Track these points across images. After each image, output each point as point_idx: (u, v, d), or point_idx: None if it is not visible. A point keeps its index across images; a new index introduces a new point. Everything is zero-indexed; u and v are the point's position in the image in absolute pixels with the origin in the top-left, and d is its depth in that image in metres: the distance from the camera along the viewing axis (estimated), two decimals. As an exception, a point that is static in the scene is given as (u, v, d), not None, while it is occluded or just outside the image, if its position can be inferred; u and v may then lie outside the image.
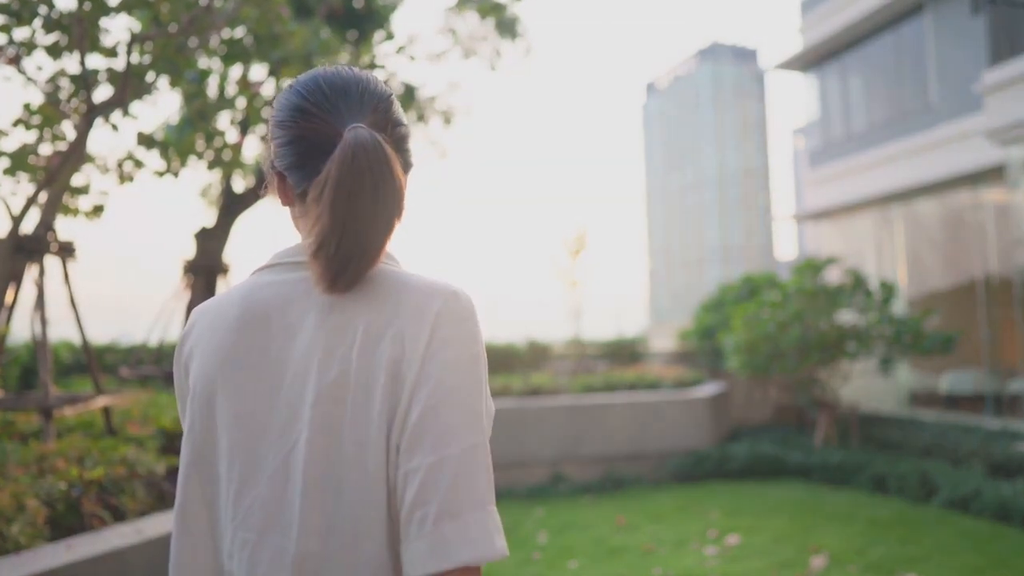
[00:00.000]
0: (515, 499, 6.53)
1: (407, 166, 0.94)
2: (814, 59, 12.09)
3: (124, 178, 4.29)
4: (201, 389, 0.88)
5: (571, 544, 5.07)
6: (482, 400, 0.84)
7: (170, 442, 4.00)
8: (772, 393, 9.84)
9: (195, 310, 0.95)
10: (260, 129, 8.53)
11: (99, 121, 4.26)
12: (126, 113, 4.36)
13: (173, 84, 4.46)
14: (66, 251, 4.19)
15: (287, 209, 0.96)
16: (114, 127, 4.03)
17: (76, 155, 4.11)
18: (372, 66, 5.49)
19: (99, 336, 9.65)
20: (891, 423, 8.69)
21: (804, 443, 7.62)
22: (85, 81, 3.92)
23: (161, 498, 3.20)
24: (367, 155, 0.82)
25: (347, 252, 0.82)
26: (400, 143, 0.92)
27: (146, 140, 4.30)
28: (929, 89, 9.93)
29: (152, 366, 8.34)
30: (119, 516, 2.75)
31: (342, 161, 0.82)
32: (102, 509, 2.65)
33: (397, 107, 0.94)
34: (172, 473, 3.42)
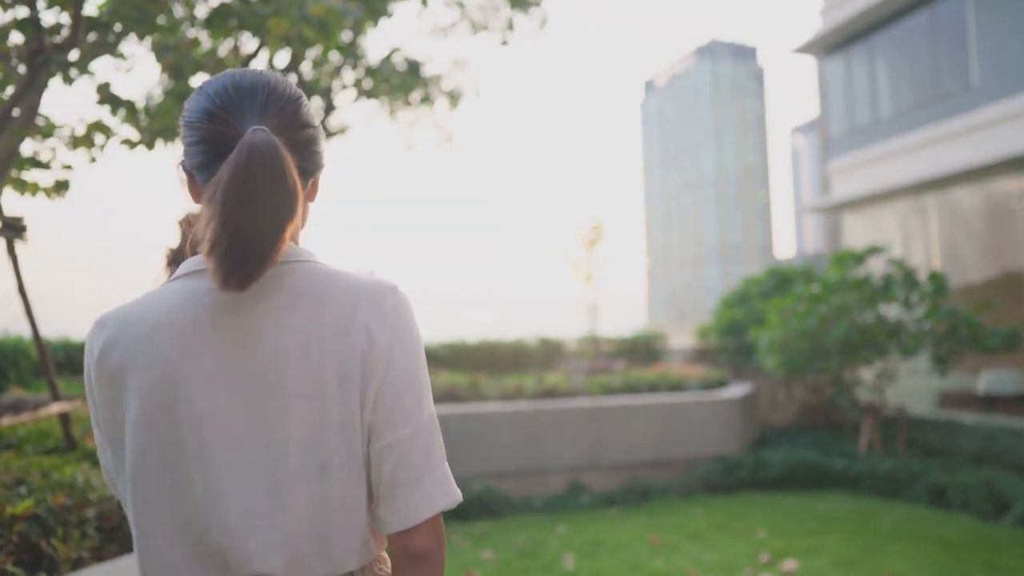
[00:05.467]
0: (532, 512, 5.89)
1: (315, 167, 0.98)
2: (838, 41, 11.46)
3: (82, 142, 3.62)
4: (158, 398, 0.88)
5: (604, 569, 4.43)
6: (426, 374, 0.97)
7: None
8: (798, 393, 9.23)
9: (105, 320, 0.93)
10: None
11: (60, 88, 3.61)
12: (84, 70, 3.70)
13: (142, 36, 3.79)
14: (13, 229, 3.53)
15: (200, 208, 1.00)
16: (67, 79, 3.37)
17: (24, 111, 3.45)
18: (383, 11, 4.81)
19: (75, 332, 8.99)
20: (930, 426, 8.07)
21: (844, 448, 7.00)
22: (35, 26, 3.27)
23: (113, 534, 2.54)
24: (261, 158, 0.85)
25: (237, 252, 0.84)
26: (307, 144, 0.96)
27: (109, 97, 3.63)
28: (970, 68, 9.30)
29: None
30: (51, 567, 2.09)
31: (235, 164, 0.85)
32: (13, 565, 1.99)
33: (305, 110, 0.97)
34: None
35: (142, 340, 0.89)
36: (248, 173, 0.84)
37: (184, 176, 0.98)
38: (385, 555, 1.01)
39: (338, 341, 0.90)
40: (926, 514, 5.45)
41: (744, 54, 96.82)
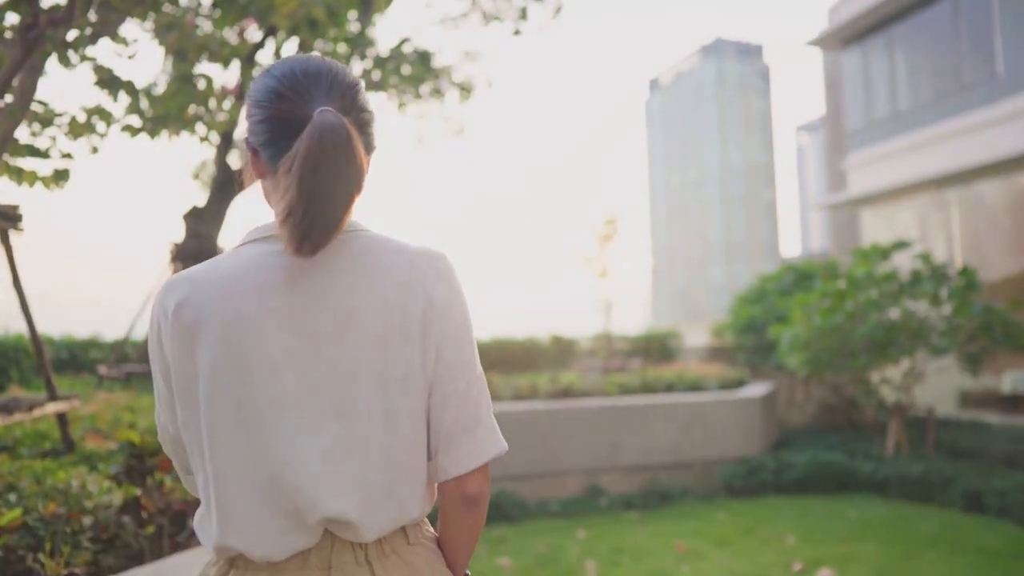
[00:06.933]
0: (549, 516, 5.67)
1: (369, 148, 1.04)
2: (855, 33, 11.20)
3: (81, 129, 3.41)
4: (233, 351, 0.94)
5: (628, 578, 4.21)
6: (474, 334, 1.07)
7: (138, 461, 3.13)
8: (816, 392, 8.99)
9: (176, 281, 0.99)
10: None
11: (61, 77, 3.41)
12: (84, 57, 3.49)
13: (144, 16, 3.59)
14: (7, 218, 3.33)
15: (260, 183, 1.08)
16: (63, 59, 3.16)
17: (20, 94, 3.25)
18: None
19: (81, 330, 8.80)
20: (955, 427, 7.83)
21: (870, 450, 6.76)
22: (30, 4, 3.07)
23: (111, 544, 2.33)
24: (333, 135, 0.92)
25: (311, 220, 0.91)
26: (363, 127, 1.03)
27: (108, 80, 3.43)
28: (995, 58, 9.03)
29: (136, 363, 7.49)
30: (38, 584, 1.89)
31: (310, 140, 0.92)
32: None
33: (363, 95, 1.05)
34: (129, 506, 2.56)
35: (216, 298, 0.96)
36: (322, 149, 0.90)
37: (248, 153, 1.04)
38: (427, 521, 1.09)
39: (400, 300, 0.98)
40: (963, 520, 5.21)
41: (749, 52, 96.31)
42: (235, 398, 0.94)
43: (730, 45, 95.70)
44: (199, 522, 1.01)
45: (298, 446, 0.93)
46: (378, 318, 0.97)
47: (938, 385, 9.05)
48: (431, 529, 1.08)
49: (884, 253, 6.79)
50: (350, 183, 0.93)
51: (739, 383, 7.69)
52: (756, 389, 7.45)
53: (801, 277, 8.82)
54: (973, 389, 9.49)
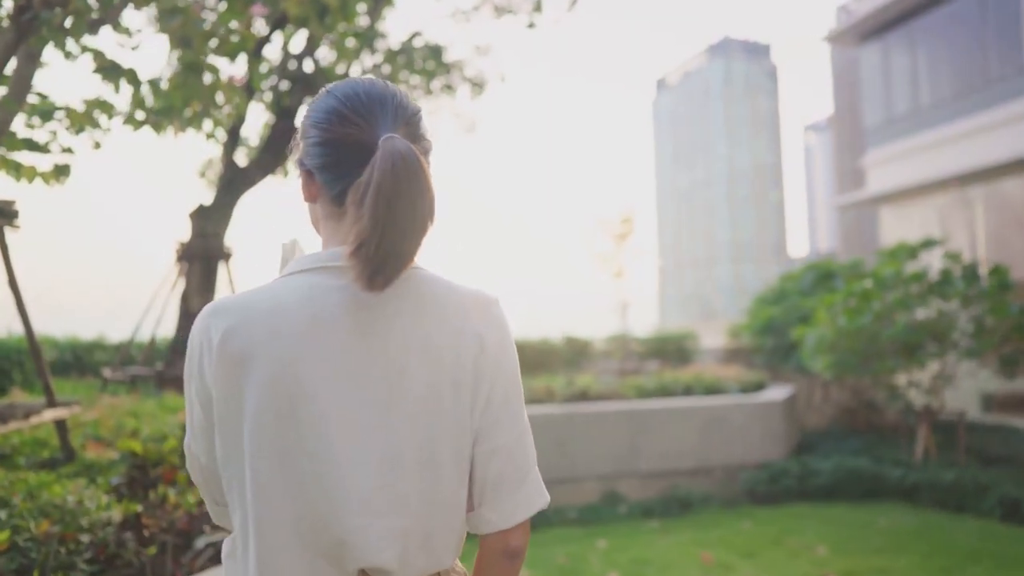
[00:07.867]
0: (567, 524, 5.47)
1: None
2: (875, 27, 10.96)
3: (81, 119, 3.23)
4: (281, 389, 0.90)
5: (654, 592, 4.01)
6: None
7: (141, 473, 2.94)
8: (835, 395, 8.76)
9: (224, 307, 0.94)
10: (263, 97, 7.52)
11: (64, 71, 3.24)
12: (84, 47, 3.31)
13: (146, 2, 3.41)
14: (2, 215, 3.16)
15: (307, 206, 1.05)
16: (60, 45, 2.98)
17: (15, 84, 3.08)
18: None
19: (86, 331, 8.67)
20: (981, 431, 7.58)
21: (896, 455, 6.53)
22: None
23: (111, 563, 2.15)
24: (406, 164, 0.89)
25: (385, 252, 0.88)
26: (425, 156, 0.99)
27: (108, 65, 3.24)
28: (1023, 50, 8.78)
29: (141, 366, 7.33)
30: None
31: (383, 168, 0.89)
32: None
33: (424, 123, 1.01)
34: (130, 522, 2.37)
35: (266, 330, 0.91)
36: (395, 178, 0.88)
37: (301, 175, 1.01)
38: (458, 561, 1.05)
39: (454, 346, 0.95)
40: (1002, 531, 4.98)
41: (756, 51, 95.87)
42: (281, 446, 0.90)
43: (737, 44, 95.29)
44: (229, 556, 0.98)
45: (344, 494, 0.91)
46: (432, 365, 0.93)
47: (960, 388, 8.80)
48: (461, 565, 1.06)
49: (912, 252, 6.57)
50: (424, 214, 0.90)
51: (759, 386, 7.48)
52: (777, 392, 7.24)
53: (822, 277, 8.60)
54: (997, 392, 9.23)
